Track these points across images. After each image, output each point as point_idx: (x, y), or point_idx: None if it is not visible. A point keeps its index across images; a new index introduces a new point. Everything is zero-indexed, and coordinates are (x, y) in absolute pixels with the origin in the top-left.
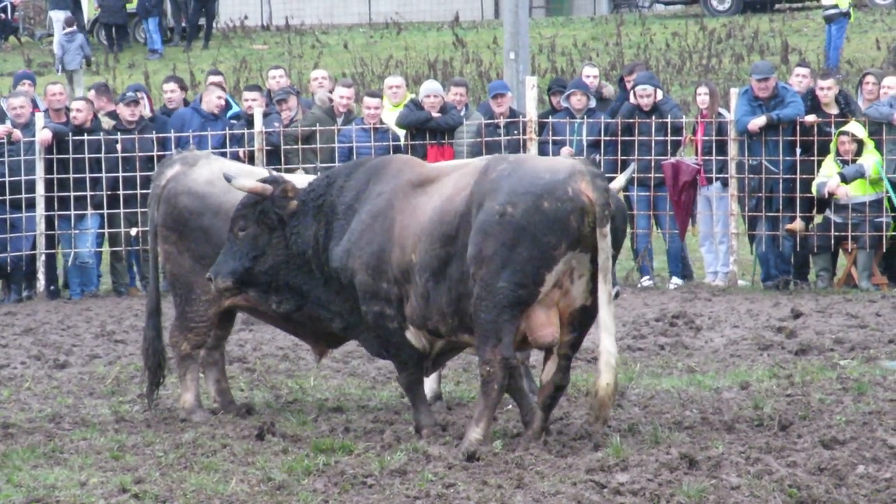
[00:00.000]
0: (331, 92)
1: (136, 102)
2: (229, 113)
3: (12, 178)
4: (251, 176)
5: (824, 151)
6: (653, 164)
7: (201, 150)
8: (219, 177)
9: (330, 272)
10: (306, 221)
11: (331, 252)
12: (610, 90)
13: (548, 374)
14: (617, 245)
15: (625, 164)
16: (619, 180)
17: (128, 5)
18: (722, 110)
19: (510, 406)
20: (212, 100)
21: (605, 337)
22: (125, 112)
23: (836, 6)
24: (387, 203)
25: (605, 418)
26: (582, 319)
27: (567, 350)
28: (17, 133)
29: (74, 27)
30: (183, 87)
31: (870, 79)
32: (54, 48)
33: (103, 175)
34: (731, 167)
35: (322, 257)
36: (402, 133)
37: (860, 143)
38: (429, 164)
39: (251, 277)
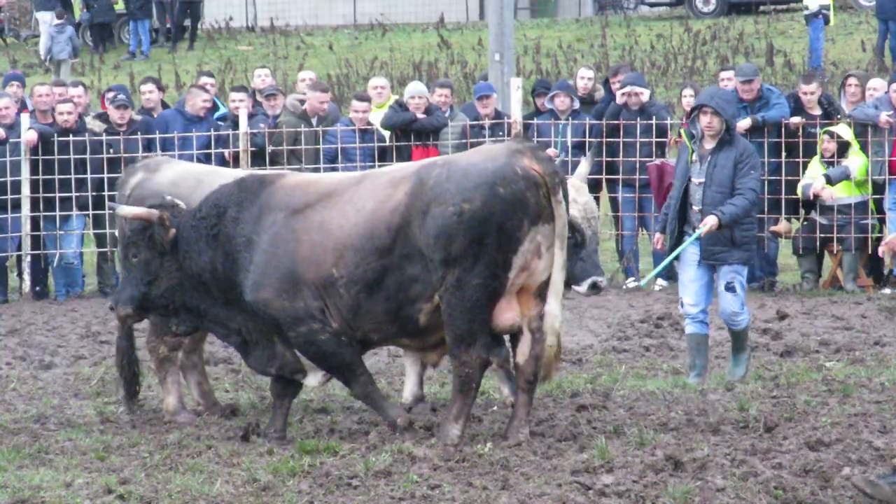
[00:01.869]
0: (302, 94)
1: (125, 105)
2: (216, 114)
3: None
4: (215, 176)
5: (809, 153)
6: (638, 165)
7: (186, 151)
8: (183, 177)
9: (233, 297)
10: (199, 247)
11: (243, 287)
12: (602, 93)
13: (522, 352)
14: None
15: (610, 166)
16: (583, 166)
17: (115, 6)
18: None
19: (495, 408)
20: (196, 102)
21: (552, 300)
22: (115, 114)
23: (806, 8)
24: (285, 228)
25: (549, 377)
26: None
27: (537, 322)
28: (0, 132)
29: (65, 19)
30: (160, 88)
31: (852, 80)
32: (42, 40)
33: (88, 176)
34: None
35: (224, 284)
36: (387, 134)
37: (845, 145)
38: (321, 176)
39: (149, 302)
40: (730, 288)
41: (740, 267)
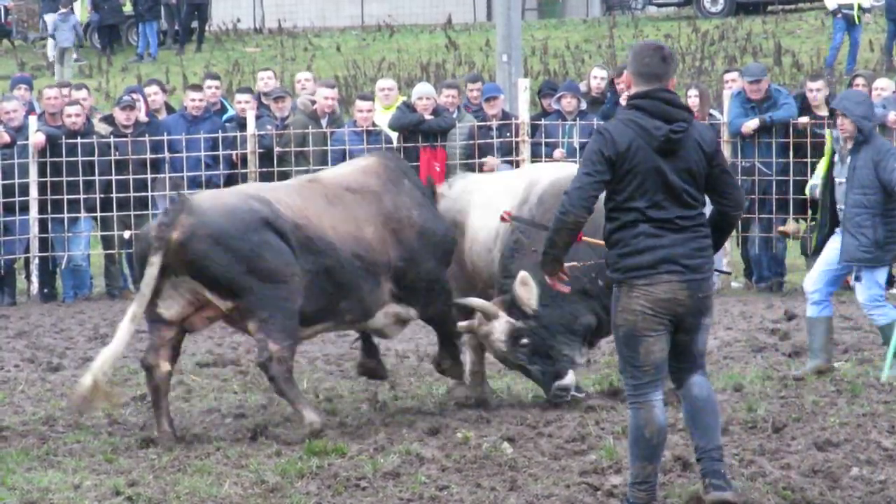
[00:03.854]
0: (312, 94)
1: (131, 107)
2: (224, 116)
3: (6, 182)
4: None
5: (817, 153)
6: None
7: (192, 153)
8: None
9: None
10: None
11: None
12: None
13: None
14: None
15: None
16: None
17: (123, 8)
18: (714, 112)
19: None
20: (188, 103)
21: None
22: (121, 116)
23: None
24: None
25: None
26: None
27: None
28: (4, 134)
29: (69, 8)
30: (164, 90)
31: (860, 80)
32: (46, 29)
33: (96, 178)
34: None
35: None
36: (394, 135)
37: None
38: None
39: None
40: (857, 278)
41: (879, 266)
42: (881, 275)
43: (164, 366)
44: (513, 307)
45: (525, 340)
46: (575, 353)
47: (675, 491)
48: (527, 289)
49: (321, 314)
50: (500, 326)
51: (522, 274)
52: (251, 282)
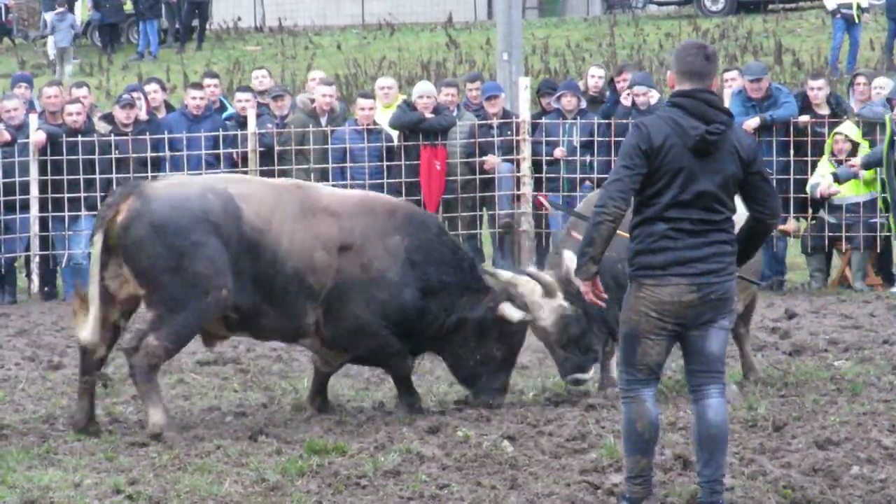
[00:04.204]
0: (311, 93)
1: (131, 105)
2: (224, 115)
3: (6, 180)
4: None
5: (817, 152)
6: None
7: (193, 151)
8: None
9: None
10: None
11: None
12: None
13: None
14: None
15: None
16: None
17: (124, 6)
18: None
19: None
20: (189, 101)
21: None
22: (121, 115)
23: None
24: None
25: None
26: None
27: None
28: (5, 133)
29: (66, 7)
30: (164, 88)
31: (861, 79)
32: (47, 27)
33: (97, 176)
34: None
35: None
36: (395, 134)
37: (854, 144)
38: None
39: None
40: None
41: None
42: None
43: (101, 350)
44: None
45: (570, 326)
46: (599, 350)
47: (676, 490)
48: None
49: (244, 320)
50: (552, 306)
51: (568, 253)
52: (170, 280)
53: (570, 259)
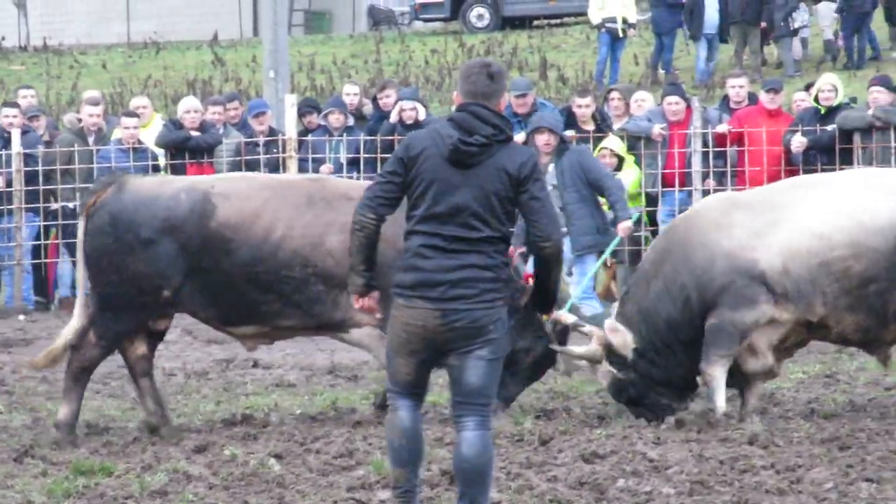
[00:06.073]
0: (78, 112)
1: None
2: None
3: None
4: None
5: None
6: None
7: None
8: None
9: None
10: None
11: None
12: (371, 108)
13: None
14: None
15: None
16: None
17: None
18: None
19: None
20: None
21: None
22: None
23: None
24: None
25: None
26: None
27: None
28: None
29: None
30: None
31: (615, 94)
32: None
33: None
34: None
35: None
36: (161, 153)
37: (620, 159)
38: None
39: None
40: None
41: None
42: None
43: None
44: (611, 355)
45: (627, 390)
46: (674, 401)
47: None
48: (618, 335)
49: (241, 316)
50: (603, 374)
51: (609, 322)
52: (111, 275)
53: (611, 326)
